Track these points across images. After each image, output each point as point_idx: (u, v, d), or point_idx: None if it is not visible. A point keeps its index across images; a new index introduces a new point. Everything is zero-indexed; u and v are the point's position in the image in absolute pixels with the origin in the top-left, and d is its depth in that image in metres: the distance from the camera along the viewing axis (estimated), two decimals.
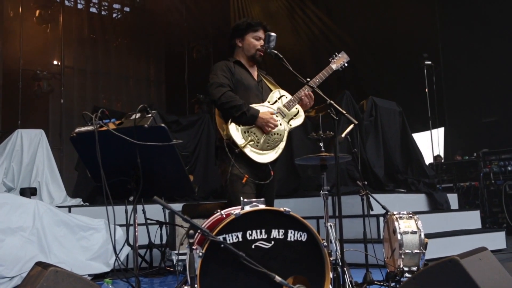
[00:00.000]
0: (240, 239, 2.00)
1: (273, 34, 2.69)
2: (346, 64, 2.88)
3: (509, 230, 6.04)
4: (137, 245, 2.38)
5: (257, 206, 2.09)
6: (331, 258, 2.57)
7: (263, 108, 2.68)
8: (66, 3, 9.60)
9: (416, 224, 2.97)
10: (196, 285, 1.85)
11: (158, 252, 4.32)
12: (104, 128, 2.20)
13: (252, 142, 2.59)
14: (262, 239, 2.03)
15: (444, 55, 8.30)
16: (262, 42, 2.78)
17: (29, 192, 4.50)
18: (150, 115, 2.22)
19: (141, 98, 10.34)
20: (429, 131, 7.28)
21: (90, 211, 4.56)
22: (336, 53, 2.90)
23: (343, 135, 2.67)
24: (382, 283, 2.97)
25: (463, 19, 7.99)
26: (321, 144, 2.90)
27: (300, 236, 2.08)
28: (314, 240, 2.09)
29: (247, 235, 2.01)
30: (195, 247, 1.96)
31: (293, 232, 2.07)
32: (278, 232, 2.06)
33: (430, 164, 7.09)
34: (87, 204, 5.12)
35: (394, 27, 8.31)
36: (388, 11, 8.40)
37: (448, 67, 8.15)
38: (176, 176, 2.37)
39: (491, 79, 7.53)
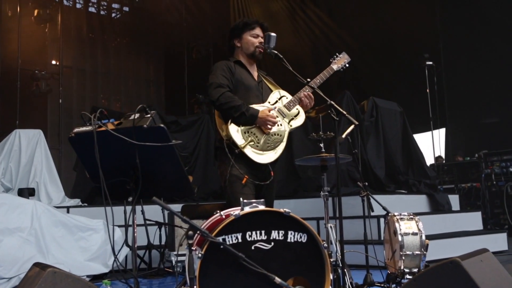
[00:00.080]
0: (240, 240, 1.98)
1: (273, 34, 2.68)
2: (347, 65, 2.87)
3: (511, 231, 6.03)
4: (136, 246, 2.36)
5: (257, 207, 2.08)
6: (331, 260, 2.56)
7: (262, 109, 2.67)
8: (65, 2, 9.58)
9: (417, 225, 2.97)
10: (195, 286, 1.84)
11: (157, 253, 4.31)
12: (103, 129, 2.19)
13: (252, 143, 2.57)
14: (261, 240, 2.02)
15: (445, 55, 8.31)
16: (260, 39, 2.78)
17: (27, 192, 4.49)
18: (149, 115, 2.20)
19: (140, 98, 10.33)
20: (430, 132, 7.28)
21: (89, 212, 4.54)
22: (337, 54, 2.89)
23: (343, 136, 2.66)
24: (382, 285, 2.96)
25: (464, 20, 7.99)
26: (322, 145, 2.89)
27: (300, 237, 2.07)
28: (314, 241, 2.08)
29: (247, 236, 2.00)
30: (194, 248, 1.95)
31: (293, 233, 2.06)
32: (278, 233, 2.04)
33: (431, 165, 7.09)
34: (86, 204, 5.10)
35: (395, 28, 8.31)
36: (389, 11, 8.40)
37: (449, 67, 8.16)
38: (175, 176, 2.36)
39: (492, 79, 7.54)
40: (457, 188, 7.10)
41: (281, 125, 2.67)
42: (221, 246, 1.90)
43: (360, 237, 3.28)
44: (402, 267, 2.88)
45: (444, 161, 7.85)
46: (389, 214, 3.11)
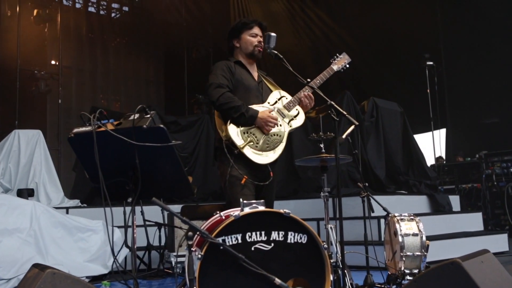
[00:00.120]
0: (240, 241, 1.98)
1: (273, 34, 2.67)
2: (347, 66, 2.86)
3: None
4: (135, 247, 2.35)
5: (257, 207, 2.07)
6: (332, 260, 2.56)
7: (262, 109, 2.67)
8: (64, 2, 9.56)
9: (418, 226, 2.96)
10: None
11: (156, 254, 4.29)
12: (102, 129, 2.18)
13: (252, 143, 2.57)
14: (261, 241, 2.01)
15: (445, 55, 8.30)
16: (259, 38, 2.78)
17: (26, 193, 4.48)
18: (148, 115, 2.20)
19: (140, 98, 10.31)
20: (430, 132, 7.27)
21: (88, 213, 4.53)
22: (337, 54, 2.88)
23: (343, 136, 2.66)
24: (383, 286, 2.96)
25: (465, 20, 7.99)
26: (322, 145, 2.89)
27: (300, 238, 2.07)
28: (314, 242, 2.08)
29: (247, 237, 1.99)
30: (194, 249, 1.95)
31: (293, 234, 2.06)
32: (278, 234, 2.04)
33: (432, 165, 7.07)
34: (85, 205, 5.09)
35: (396, 28, 8.31)
36: (389, 11, 8.39)
37: (449, 67, 8.15)
38: (175, 177, 2.36)
39: (493, 79, 7.53)
40: (458, 188, 7.08)
41: (280, 125, 2.67)
42: (221, 247, 1.89)
43: (360, 238, 3.27)
44: (402, 268, 2.87)
45: (444, 162, 7.84)
46: (390, 214, 3.10)
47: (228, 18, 10.58)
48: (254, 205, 2.08)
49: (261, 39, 2.78)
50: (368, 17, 8.76)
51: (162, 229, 4.27)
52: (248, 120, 2.58)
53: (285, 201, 4.95)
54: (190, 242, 1.98)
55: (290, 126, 2.71)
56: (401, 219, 3.00)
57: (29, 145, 4.82)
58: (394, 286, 2.89)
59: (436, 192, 5.41)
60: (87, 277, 3.69)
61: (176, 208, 4.27)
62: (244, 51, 2.80)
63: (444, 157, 8.00)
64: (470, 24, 7.89)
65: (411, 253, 2.89)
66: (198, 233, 1.92)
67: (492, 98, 7.65)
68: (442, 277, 2.02)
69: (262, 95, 2.77)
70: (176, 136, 5.87)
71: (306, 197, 5.15)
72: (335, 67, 2.84)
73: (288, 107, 2.71)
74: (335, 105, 2.43)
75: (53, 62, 9.30)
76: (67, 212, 4.55)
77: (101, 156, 2.16)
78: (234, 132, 2.56)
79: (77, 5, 9.97)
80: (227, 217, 2.07)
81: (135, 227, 2.40)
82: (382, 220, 3.61)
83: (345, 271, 2.51)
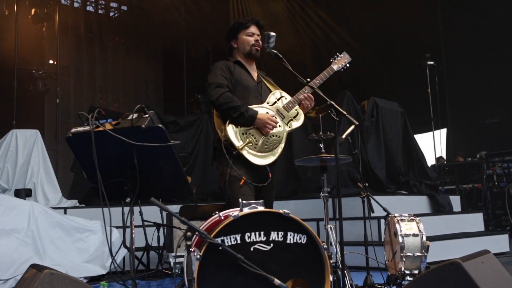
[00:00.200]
0: (239, 242, 1.97)
1: (272, 33, 2.65)
2: (348, 65, 2.85)
3: None
4: (134, 247, 2.34)
5: (256, 208, 2.06)
6: (331, 261, 2.55)
7: (262, 109, 2.65)
8: (62, 1, 9.53)
9: (418, 227, 2.95)
10: None
11: (155, 255, 4.28)
12: (101, 129, 2.17)
13: (250, 144, 2.56)
14: (261, 242, 2.00)
15: (446, 55, 8.29)
16: (256, 37, 2.77)
17: (24, 193, 4.46)
18: (147, 115, 2.19)
19: (139, 98, 10.29)
20: (431, 132, 7.26)
21: (86, 213, 4.51)
22: (337, 54, 2.87)
23: (343, 136, 2.64)
24: (383, 286, 2.95)
25: (465, 19, 7.98)
26: (321, 145, 2.88)
27: (300, 238, 2.06)
28: (314, 243, 2.07)
29: (246, 238, 1.99)
30: (192, 250, 1.94)
31: (292, 234, 2.05)
32: (277, 234, 2.03)
33: (432, 165, 7.06)
34: (83, 205, 5.08)
35: (396, 27, 8.30)
36: (390, 11, 8.38)
37: (450, 67, 8.14)
38: (174, 177, 2.35)
39: (493, 79, 7.53)
40: (459, 189, 7.06)
41: (279, 126, 2.65)
42: (220, 248, 1.88)
43: (360, 238, 3.26)
44: (402, 269, 2.86)
45: (445, 162, 7.83)
46: (390, 215, 3.09)
47: (228, 17, 10.57)
48: (253, 205, 2.07)
49: (258, 38, 2.77)
50: (369, 16, 8.75)
51: (161, 230, 4.25)
52: (248, 121, 2.57)
53: (284, 201, 4.94)
54: (188, 243, 1.97)
55: (290, 127, 2.70)
56: (401, 220, 2.99)
57: (27, 145, 4.80)
58: (394, 287, 2.88)
59: (436, 193, 5.40)
60: (85, 277, 3.67)
61: (175, 208, 4.27)
62: (242, 51, 2.79)
63: (444, 157, 7.98)
64: (471, 24, 7.88)
65: (411, 254, 2.88)
66: (197, 233, 1.91)
67: (493, 98, 7.64)
68: (442, 278, 2.01)
69: (261, 95, 2.76)
70: (175, 136, 5.85)
71: (306, 197, 5.13)
72: (335, 66, 2.82)
73: (287, 107, 2.70)
74: (335, 105, 2.42)
75: (51, 61, 9.27)
76: (65, 213, 4.53)
77: (99, 156, 2.15)
78: (233, 133, 2.54)
79: (75, 4, 9.94)
80: (226, 217, 2.06)
81: (133, 227, 2.38)
82: (382, 221, 3.60)
83: (345, 271, 2.50)
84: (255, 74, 2.84)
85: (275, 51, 2.61)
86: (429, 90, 7.14)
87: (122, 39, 10.56)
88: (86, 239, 3.88)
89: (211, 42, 10.42)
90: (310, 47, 9.76)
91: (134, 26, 10.52)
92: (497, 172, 6.74)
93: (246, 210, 2.03)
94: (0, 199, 3.66)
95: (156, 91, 11.16)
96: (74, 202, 5.05)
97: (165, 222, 4.27)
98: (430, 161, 7.10)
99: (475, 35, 7.84)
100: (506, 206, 6.44)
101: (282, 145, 2.65)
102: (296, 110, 2.72)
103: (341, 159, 2.70)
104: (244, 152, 2.53)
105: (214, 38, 10.35)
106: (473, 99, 7.84)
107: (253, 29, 2.78)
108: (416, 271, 2.86)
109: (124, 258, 4.10)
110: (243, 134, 2.56)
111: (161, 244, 4.24)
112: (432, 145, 7.26)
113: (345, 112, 2.41)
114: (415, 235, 2.91)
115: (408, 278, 2.83)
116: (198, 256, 1.86)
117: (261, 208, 2.06)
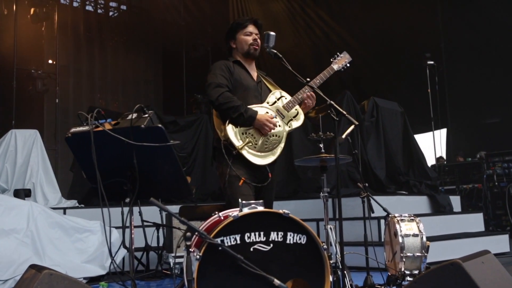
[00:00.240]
0: (238, 242, 1.97)
1: (272, 33, 2.64)
2: (348, 65, 2.84)
3: None
4: (133, 247, 2.33)
5: (256, 208, 2.05)
6: (331, 261, 2.55)
7: (261, 109, 2.65)
8: (62, 1, 9.51)
9: (418, 227, 2.95)
10: None
11: (154, 255, 4.27)
12: (100, 129, 2.17)
13: (250, 144, 2.55)
14: (260, 242, 2.00)
15: (446, 55, 8.28)
16: (254, 36, 2.77)
17: (23, 193, 4.45)
18: (147, 115, 2.19)
19: (138, 98, 10.27)
20: (431, 132, 7.25)
21: (86, 213, 4.51)
22: (338, 53, 2.86)
23: (343, 136, 2.64)
24: (383, 287, 2.94)
25: (466, 19, 7.97)
26: (321, 145, 2.87)
27: (300, 238, 2.05)
28: (314, 243, 2.06)
29: (246, 238, 1.98)
30: (192, 250, 1.93)
31: (292, 234, 2.04)
32: (277, 234, 2.03)
33: (432, 165, 7.05)
34: (83, 205, 5.07)
35: (396, 27, 8.30)
36: (390, 10, 8.38)
37: (450, 67, 8.14)
38: (174, 177, 2.34)
39: (494, 79, 7.52)
40: (459, 189, 7.05)
41: (279, 126, 2.65)
42: (220, 248, 1.88)
43: (360, 239, 3.25)
44: (402, 269, 2.86)
45: (445, 162, 7.82)
46: (390, 215, 3.09)
47: (228, 17, 10.56)
48: (253, 205, 2.06)
49: (257, 37, 2.77)
50: (369, 16, 8.74)
51: (160, 230, 4.24)
52: (247, 121, 2.56)
53: (284, 201, 4.94)
54: (188, 243, 1.97)
55: (290, 127, 2.69)
56: (401, 220, 2.99)
57: (26, 145, 4.80)
58: (394, 287, 2.88)
59: (436, 193, 5.40)
60: (84, 278, 3.66)
61: (175, 208, 4.26)
62: (241, 51, 2.79)
63: (444, 157, 7.98)
64: (471, 24, 7.88)
65: (411, 254, 2.87)
66: (196, 233, 1.90)
67: (493, 98, 7.63)
68: (442, 278, 2.01)
69: (261, 95, 2.75)
70: (174, 136, 5.85)
71: (306, 197, 5.13)
72: (335, 66, 2.82)
73: (287, 107, 2.70)
74: (335, 105, 2.41)
75: (50, 61, 9.25)
76: (65, 213, 4.52)
77: (98, 156, 2.14)
78: (232, 132, 2.54)
79: (75, 4, 9.92)
80: (226, 217, 2.06)
81: (133, 227, 2.38)
82: (382, 221, 3.60)
83: (345, 272, 2.50)
84: (254, 74, 2.84)
85: (275, 51, 2.61)
86: (429, 90, 7.13)
87: (122, 38, 10.54)
88: (86, 239, 3.87)
89: (211, 42, 10.40)
90: (310, 47, 9.76)
91: (134, 25, 10.50)
92: (497, 172, 6.73)
93: (245, 210, 2.02)
94: None
95: (155, 91, 11.15)
96: (73, 202, 5.04)
97: (164, 223, 4.27)
98: (430, 161, 7.10)
99: (475, 35, 7.84)
100: (506, 206, 6.43)
101: (282, 145, 2.64)
102: (296, 109, 2.71)
103: (341, 159, 2.69)
104: (244, 152, 2.52)
105: (213, 38, 10.34)
106: (473, 99, 7.83)
107: (251, 28, 2.78)
108: (416, 272, 2.86)
109: (123, 258, 4.09)
110: (242, 134, 2.56)
111: (161, 244, 4.23)
112: (432, 145, 7.26)
113: (345, 112, 2.40)
114: (415, 235, 2.91)
115: (408, 278, 2.83)
116: (198, 257, 1.85)
117: (260, 208, 2.06)
